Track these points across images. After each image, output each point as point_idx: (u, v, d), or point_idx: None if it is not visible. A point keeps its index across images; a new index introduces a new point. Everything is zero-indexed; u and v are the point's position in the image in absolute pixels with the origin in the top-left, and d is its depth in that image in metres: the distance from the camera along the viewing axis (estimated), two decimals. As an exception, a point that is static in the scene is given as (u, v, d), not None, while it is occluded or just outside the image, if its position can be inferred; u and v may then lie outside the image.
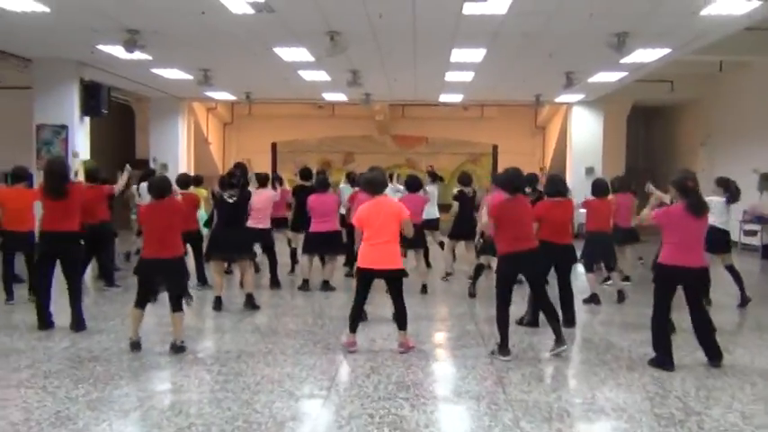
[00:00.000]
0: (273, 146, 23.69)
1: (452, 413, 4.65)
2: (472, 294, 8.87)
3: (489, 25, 9.92)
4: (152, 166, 15.20)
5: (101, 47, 11.67)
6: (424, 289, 9.13)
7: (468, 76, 14.20)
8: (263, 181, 9.71)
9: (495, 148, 23.19)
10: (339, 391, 4.93)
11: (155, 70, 14.09)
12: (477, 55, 12.03)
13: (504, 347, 5.89)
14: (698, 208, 5.65)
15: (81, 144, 13.52)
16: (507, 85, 15.48)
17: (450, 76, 14.25)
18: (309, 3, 8.93)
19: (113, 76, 14.51)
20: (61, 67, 13.01)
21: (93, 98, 13.40)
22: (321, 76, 14.28)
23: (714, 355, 5.76)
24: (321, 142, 23.77)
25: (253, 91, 17.06)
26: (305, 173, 11.02)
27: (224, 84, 15.60)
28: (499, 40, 10.88)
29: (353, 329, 6.15)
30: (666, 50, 11.39)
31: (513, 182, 6.15)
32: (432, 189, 11.71)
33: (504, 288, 6.03)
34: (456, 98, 17.64)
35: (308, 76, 14.31)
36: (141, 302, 5.96)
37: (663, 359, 5.63)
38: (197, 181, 11.44)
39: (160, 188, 6.09)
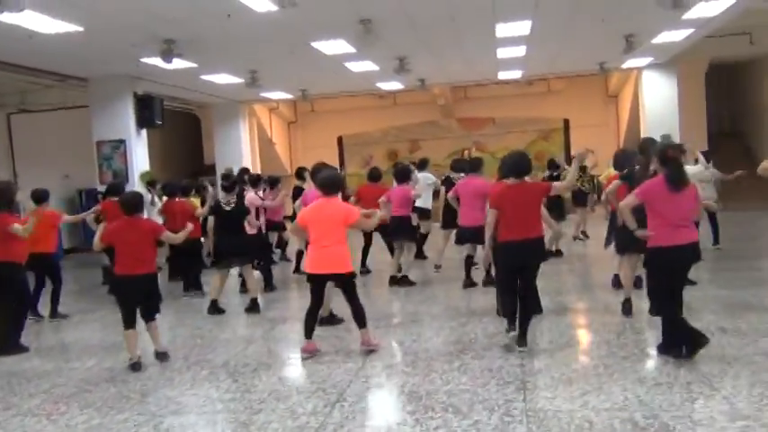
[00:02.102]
0: (339, 140, 23.58)
1: (457, 429, 4.23)
2: (470, 284, 8.45)
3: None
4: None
5: (144, 60, 11.78)
6: (392, 280, 9.00)
7: (520, 51, 13.49)
8: (254, 183, 9.63)
9: (566, 122, 22.12)
10: (344, 407, 4.61)
11: (204, 77, 14.18)
12: (523, 28, 11.36)
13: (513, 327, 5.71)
14: (675, 180, 5.08)
15: (139, 156, 13.78)
16: (565, 56, 14.63)
17: (502, 53, 13.58)
18: (330, -8, 8.64)
19: (168, 87, 14.75)
20: (115, 84, 13.28)
21: (146, 110, 13.62)
22: (368, 66, 13.96)
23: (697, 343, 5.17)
24: (386, 132, 23.44)
25: (307, 88, 16.93)
26: (298, 172, 10.99)
27: (275, 84, 15.56)
28: (542, 9, 10.21)
29: (308, 335, 5.94)
30: (732, 0, 10.36)
31: (517, 166, 5.70)
32: (424, 176, 10.99)
33: (509, 277, 5.77)
34: (515, 74, 16.88)
35: (355, 67, 14.01)
36: (130, 322, 5.86)
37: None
38: (184, 191, 10.77)
39: (132, 204, 5.99)
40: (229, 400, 4.88)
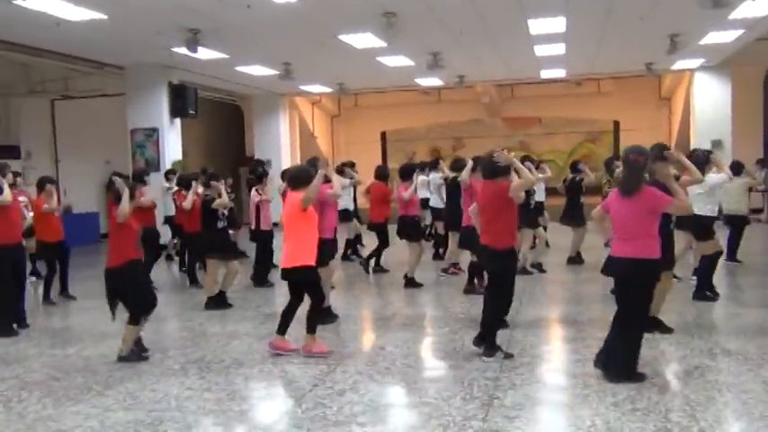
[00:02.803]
0: (383, 135, 23.45)
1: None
2: (471, 290, 8.09)
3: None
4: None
5: (175, 49, 11.81)
6: (408, 282, 8.76)
7: (559, 49, 13.03)
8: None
9: (616, 124, 21.45)
10: (296, 414, 4.42)
11: (239, 68, 14.21)
12: (558, 24, 10.95)
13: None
14: (621, 184, 4.89)
15: (172, 144, 13.91)
16: (607, 55, 14.07)
17: (541, 50, 13.15)
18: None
19: (204, 77, 14.86)
20: (150, 72, 13.44)
21: (180, 99, 13.73)
22: (402, 61, 13.73)
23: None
24: (430, 129, 23.20)
25: (344, 82, 16.82)
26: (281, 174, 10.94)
27: (309, 76, 15.50)
28: (574, 5, 9.78)
29: (280, 331, 5.77)
30: (782, -1, 9.71)
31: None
32: (434, 177, 10.68)
33: (511, 285, 5.49)
34: (558, 73, 16.35)
35: (390, 62, 13.81)
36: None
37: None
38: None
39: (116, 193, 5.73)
40: (186, 399, 4.75)
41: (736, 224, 9.96)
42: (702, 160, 7.03)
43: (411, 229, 9.08)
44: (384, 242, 9.85)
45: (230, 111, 20.58)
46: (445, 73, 15.60)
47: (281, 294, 7.95)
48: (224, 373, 5.33)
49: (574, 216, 10.14)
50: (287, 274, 5.67)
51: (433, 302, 8.12)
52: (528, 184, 5.64)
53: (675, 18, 10.74)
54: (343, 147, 23.30)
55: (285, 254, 5.65)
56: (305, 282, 5.68)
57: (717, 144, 15.54)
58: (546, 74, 16.34)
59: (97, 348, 6.14)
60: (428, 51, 12.87)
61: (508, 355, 5.40)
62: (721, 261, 8.18)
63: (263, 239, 9.34)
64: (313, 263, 5.65)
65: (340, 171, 12.29)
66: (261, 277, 9.31)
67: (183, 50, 11.69)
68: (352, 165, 11.51)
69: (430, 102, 21.90)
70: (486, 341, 5.45)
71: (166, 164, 13.49)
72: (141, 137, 13.78)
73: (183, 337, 6.60)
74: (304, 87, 17.37)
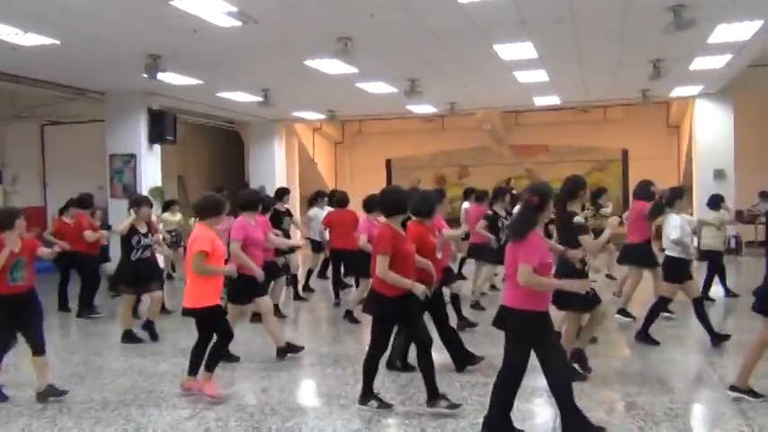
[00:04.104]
0: (388, 163, 23.14)
1: None
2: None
3: (500, 14, 8.54)
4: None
5: (146, 75, 11.67)
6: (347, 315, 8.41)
7: (541, 75, 12.58)
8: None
9: (624, 152, 20.74)
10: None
11: (220, 94, 14.12)
12: (527, 50, 10.52)
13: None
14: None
15: (150, 171, 13.81)
16: (596, 82, 13.56)
17: (523, 77, 12.71)
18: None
19: (186, 103, 14.80)
20: (129, 98, 13.40)
21: (158, 125, 13.65)
22: (382, 87, 13.44)
23: None
24: (435, 157, 22.82)
25: (334, 108, 16.62)
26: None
27: (292, 103, 15.37)
28: (535, 30, 9.37)
29: (191, 372, 5.49)
30: (759, 22, 9.15)
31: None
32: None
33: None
34: (553, 100, 15.83)
35: (370, 88, 13.53)
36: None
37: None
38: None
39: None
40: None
41: (714, 259, 9.34)
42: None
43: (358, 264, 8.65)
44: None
45: (231, 137, 20.58)
46: (433, 100, 15.32)
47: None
48: (78, 416, 4.99)
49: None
50: (189, 313, 5.39)
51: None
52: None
53: (652, 44, 10.22)
54: (348, 174, 23.08)
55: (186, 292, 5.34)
56: (203, 323, 5.39)
57: (719, 174, 14.85)
58: (540, 101, 15.86)
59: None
60: (405, 78, 12.58)
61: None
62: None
63: None
64: (215, 302, 5.36)
65: (312, 201, 12.04)
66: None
67: (161, 76, 11.63)
68: (324, 195, 11.19)
69: (434, 129, 21.55)
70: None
71: (143, 190, 13.37)
72: (119, 163, 13.72)
73: (74, 373, 6.29)
74: (296, 114, 17.22)
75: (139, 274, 7.44)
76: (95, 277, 9.78)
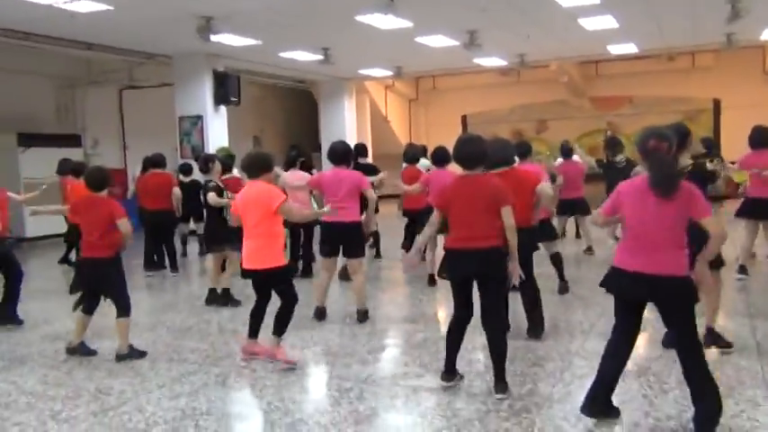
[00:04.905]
0: (463, 119, 22.64)
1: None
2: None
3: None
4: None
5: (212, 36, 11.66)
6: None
7: (608, 21, 11.84)
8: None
9: (716, 102, 19.32)
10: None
11: (282, 54, 14.15)
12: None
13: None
14: (658, 181, 3.62)
15: (217, 132, 14.12)
16: (672, 27, 12.62)
17: (588, 24, 12.00)
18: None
19: (250, 64, 14.94)
20: (195, 61, 13.66)
21: (222, 87, 13.88)
22: (443, 41, 13.06)
23: None
24: (512, 111, 22.08)
25: (401, 65, 16.36)
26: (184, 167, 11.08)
27: (355, 61, 15.27)
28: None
29: (251, 335, 5.31)
30: None
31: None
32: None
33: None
34: (629, 48, 14.91)
35: (431, 42, 13.16)
36: (87, 306, 5.54)
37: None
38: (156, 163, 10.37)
39: (98, 179, 5.47)
40: (30, 393, 4.68)
41: None
42: None
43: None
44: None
45: (306, 96, 20.72)
46: (499, 52, 14.78)
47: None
48: (93, 367, 5.22)
49: None
50: (252, 275, 5.18)
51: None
52: None
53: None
54: (423, 130, 22.82)
55: (258, 253, 5.07)
56: (281, 282, 5.19)
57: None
58: (615, 49, 14.97)
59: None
60: (464, 30, 12.16)
61: None
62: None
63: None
64: (282, 263, 5.19)
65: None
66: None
67: (217, 38, 11.75)
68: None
69: (509, 83, 20.90)
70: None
71: (211, 150, 13.69)
72: (187, 125, 14.12)
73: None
74: (363, 71, 17.09)
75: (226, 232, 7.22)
76: (171, 235, 10.20)
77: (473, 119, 22.56)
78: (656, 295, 3.70)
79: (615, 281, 3.80)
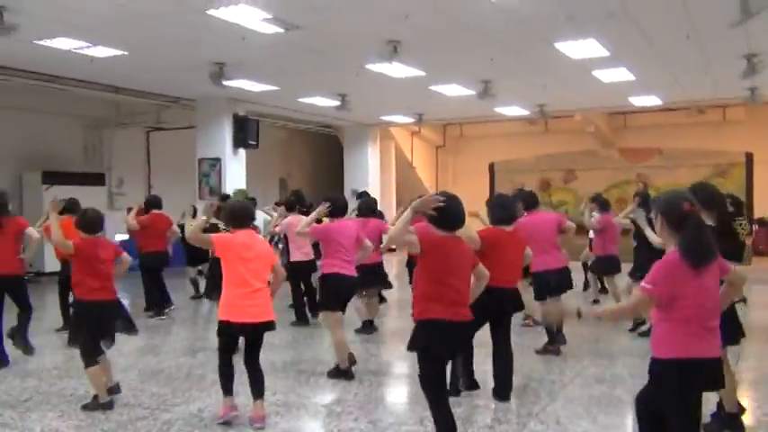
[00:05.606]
0: (491, 167, 22.56)
1: None
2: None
3: (544, 9, 8.05)
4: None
5: (226, 83, 11.93)
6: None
7: (622, 74, 11.75)
8: None
9: (748, 156, 18.85)
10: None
11: (301, 99, 14.40)
12: (592, 47, 9.87)
13: None
14: (696, 253, 3.11)
15: (234, 174, 14.34)
16: (690, 81, 12.46)
17: (604, 76, 11.91)
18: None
19: (271, 108, 15.24)
20: (216, 105, 14.01)
21: (242, 131, 14.17)
22: (456, 90, 13.12)
23: None
24: (539, 160, 21.93)
25: (422, 112, 16.47)
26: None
27: (369, 107, 15.38)
28: (585, 25, 8.76)
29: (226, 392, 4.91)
30: None
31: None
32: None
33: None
34: (652, 101, 14.73)
35: (446, 90, 13.27)
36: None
37: None
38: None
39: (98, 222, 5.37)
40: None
41: None
42: None
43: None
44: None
45: (333, 141, 20.96)
46: (517, 102, 14.79)
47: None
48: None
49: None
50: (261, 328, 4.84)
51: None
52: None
53: (735, 36, 9.17)
54: (450, 178, 22.80)
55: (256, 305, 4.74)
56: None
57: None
58: (637, 101, 14.81)
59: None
60: (477, 80, 12.20)
61: None
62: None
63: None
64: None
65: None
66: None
67: (234, 84, 12.02)
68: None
69: (537, 132, 20.83)
70: None
71: (228, 192, 13.91)
72: (206, 166, 14.40)
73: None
74: (385, 117, 17.27)
75: None
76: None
77: (500, 167, 22.47)
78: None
79: (695, 375, 3.11)
